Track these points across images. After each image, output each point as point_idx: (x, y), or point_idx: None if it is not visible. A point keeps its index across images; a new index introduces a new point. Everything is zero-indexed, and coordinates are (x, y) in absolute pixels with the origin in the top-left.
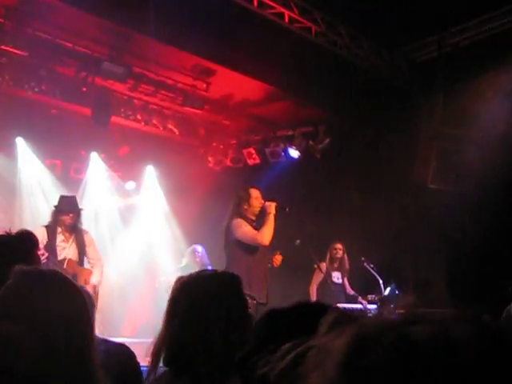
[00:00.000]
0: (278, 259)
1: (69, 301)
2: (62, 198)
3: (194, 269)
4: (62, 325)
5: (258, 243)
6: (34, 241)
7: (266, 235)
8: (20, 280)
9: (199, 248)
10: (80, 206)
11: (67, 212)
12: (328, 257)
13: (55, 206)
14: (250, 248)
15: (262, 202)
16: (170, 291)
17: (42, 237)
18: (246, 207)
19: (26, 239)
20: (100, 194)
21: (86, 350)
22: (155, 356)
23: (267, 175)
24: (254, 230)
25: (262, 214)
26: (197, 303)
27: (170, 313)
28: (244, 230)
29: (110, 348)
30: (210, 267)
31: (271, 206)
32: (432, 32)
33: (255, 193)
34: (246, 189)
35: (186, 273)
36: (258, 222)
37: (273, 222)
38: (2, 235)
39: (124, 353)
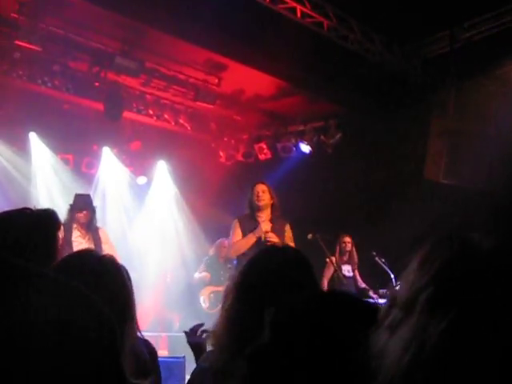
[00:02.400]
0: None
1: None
2: (77, 196)
3: (219, 262)
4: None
5: (228, 253)
6: (59, 221)
7: (235, 250)
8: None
9: (226, 243)
10: (94, 204)
11: (81, 209)
12: (337, 250)
13: (70, 205)
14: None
15: (268, 196)
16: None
17: None
18: (249, 204)
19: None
20: (111, 188)
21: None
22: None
23: (278, 170)
24: (234, 238)
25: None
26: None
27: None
28: (232, 234)
29: None
30: (235, 262)
31: (261, 230)
32: (444, 27)
33: (257, 188)
34: (251, 186)
35: (211, 265)
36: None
37: (250, 241)
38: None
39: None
